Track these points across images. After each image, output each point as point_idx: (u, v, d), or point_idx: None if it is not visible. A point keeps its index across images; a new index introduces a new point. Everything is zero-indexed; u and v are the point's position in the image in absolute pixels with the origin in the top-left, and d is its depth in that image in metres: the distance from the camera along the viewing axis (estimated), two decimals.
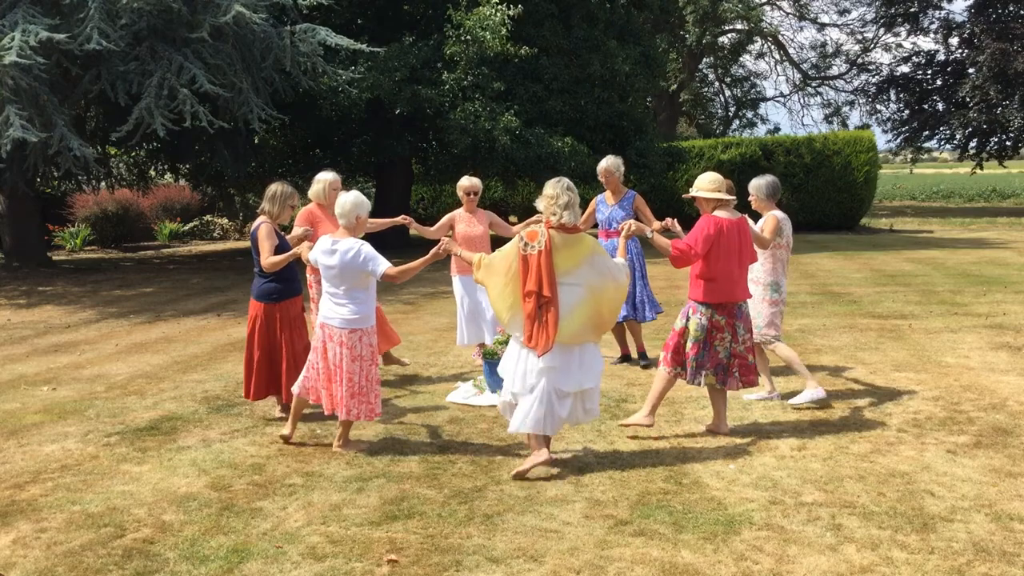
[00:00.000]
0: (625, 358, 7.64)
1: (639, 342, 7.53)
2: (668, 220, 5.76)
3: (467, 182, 7.33)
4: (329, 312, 5.17)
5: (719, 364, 5.42)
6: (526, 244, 4.79)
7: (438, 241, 5.23)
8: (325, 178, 6.59)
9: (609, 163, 7.39)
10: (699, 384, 5.43)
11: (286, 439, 5.40)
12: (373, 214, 7.25)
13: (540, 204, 4.91)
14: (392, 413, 6.13)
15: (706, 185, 5.46)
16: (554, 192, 4.84)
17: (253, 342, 5.80)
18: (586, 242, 4.87)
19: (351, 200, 5.16)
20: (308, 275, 6.62)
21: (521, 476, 4.73)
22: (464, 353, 8.03)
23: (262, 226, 5.74)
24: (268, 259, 5.66)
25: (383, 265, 5.04)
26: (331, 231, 6.03)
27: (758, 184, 6.35)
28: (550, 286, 4.71)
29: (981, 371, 6.94)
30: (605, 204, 7.52)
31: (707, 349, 5.41)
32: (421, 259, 5.15)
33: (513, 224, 8.00)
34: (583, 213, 7.35)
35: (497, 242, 6.24)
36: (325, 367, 5.23)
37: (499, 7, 15.43)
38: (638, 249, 7.48)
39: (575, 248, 4.81)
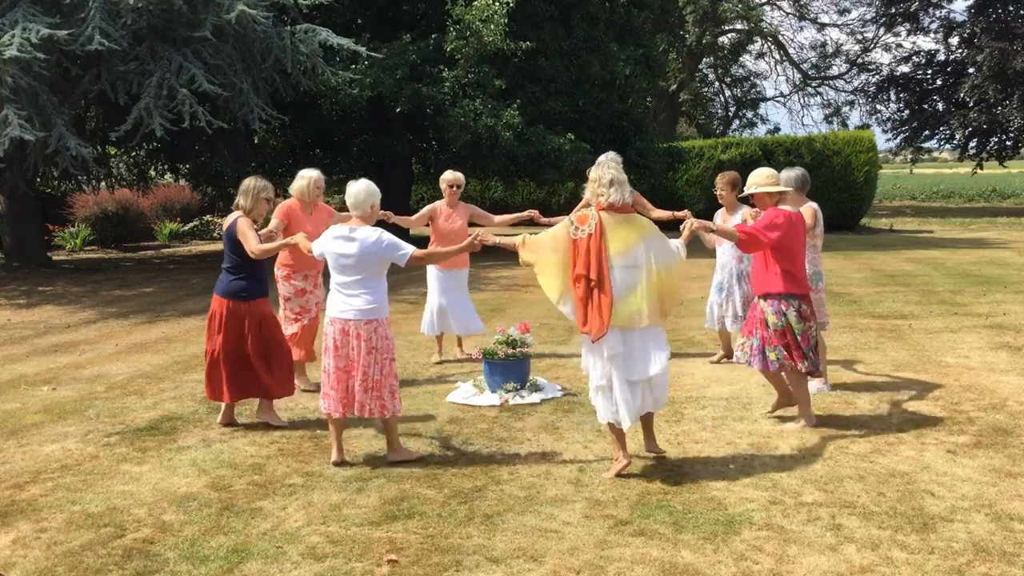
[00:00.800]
0: None
1: None
2: (686, 212, 6.00)
3: (451, 175, 7.39)
4: (342, 306, 4.93)
5: (809, 350, 5.50)
6: (576, 228, 4.69)
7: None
8: (310, 175, 6.61)
9: (602, 167, 7.46)
10: (811, 370, 5.46)
11: (339, 464, 5.00)
12: None
13: (587, 191, 4.88)
14: None
15: (764, 180, 5.59)
16: (597, 174, 4.79)
17: (217, 341, 5.66)
18: (640, 222, 4.79)
19: (364, 189, 5.02)
20: (276, 272, 6.64)
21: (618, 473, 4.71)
22: (462, 355, 8.03)
23: (239, 220, 5.66)
24: (258, 246, 5.52)
25: (408, 248, 4.93)
26: (307, 229, 6.05)
27: (788, 177, 6.30)
28: (598, 270, 4.60)
29: (981, 371, 6.93)
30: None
31: (802, 339, 5.44)
32: (454, 246, 5.23)
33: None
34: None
35: None
36: (336, 367, 4.96)
37: (495, 2, 15.44)
38: None
39: (629, 228, 4.72)
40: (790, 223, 5.40)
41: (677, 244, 4.89)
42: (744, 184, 5.99)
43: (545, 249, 4.78)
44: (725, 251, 7.35)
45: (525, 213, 7.64)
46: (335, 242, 4.94)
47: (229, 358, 5.64)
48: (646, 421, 4.98)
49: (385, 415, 4.98)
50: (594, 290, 4.61)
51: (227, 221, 5.79)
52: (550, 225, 5.19)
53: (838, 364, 7.30)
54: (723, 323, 7.40)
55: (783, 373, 5.54)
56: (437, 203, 7.51)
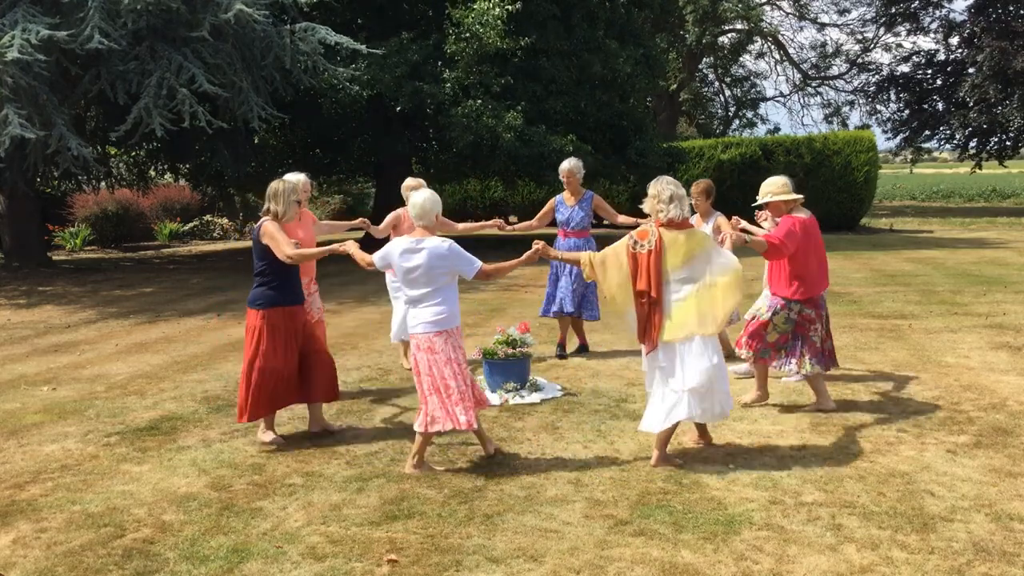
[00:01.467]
0: (582, 348, 7.96)
1: (581, 336, 7.96)
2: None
3: (415, 181, 7.07)
4: (412, 321, 4.86)
5: (818, 352, 5.80)
6: (636, 243, 4.85)
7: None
8: (297, 179, 6.13)
9: (572, 164, 7.62)
10: (788, 370, 5.91)
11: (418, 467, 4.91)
12: (373, 214, 7.29)
13: (645, 206, 4.95)
14: (392, 413, 6.13)
15: (779, 189, 5.78)
16: (656, 189, 4.89)
17: (257, 355, 5.31)
18: (698, 235, 4.91)
19: (428, 198, 4.91)
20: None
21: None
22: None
23: (266, 224, 5.31)
24: (294, 251, 5.23)
25: (477, 263, 4.87)
26: (299, 235, 5.86)
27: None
28: (657, 287, 4.78)
29: (981, 371, 6.93)
30: (564, 205, 7.71)
31: (802, 341, 5.77)
32: (515, 260, 5.07)
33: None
34: (541, 213, 7.72)
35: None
36: (419, 383, 4.86)
37: (497, 3, 15.43)
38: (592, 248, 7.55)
39: (688, 243, 4.84)
40: (805, 230, 5.65)
41: (730, 256, 4.95)
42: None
43: (612, 268, 4.94)
44: None
45: (491, 221, 7.56)
46: (401, 256, 4.82)
47: (268, 372, 5.30)
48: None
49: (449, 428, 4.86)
50: (651, 307, 4.80)
51: (256, 227, 5.53)
52: (515, 233, 5.25)
53: (838, 364, 7.30)
54: None
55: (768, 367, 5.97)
56: (400, 210, 7.14)
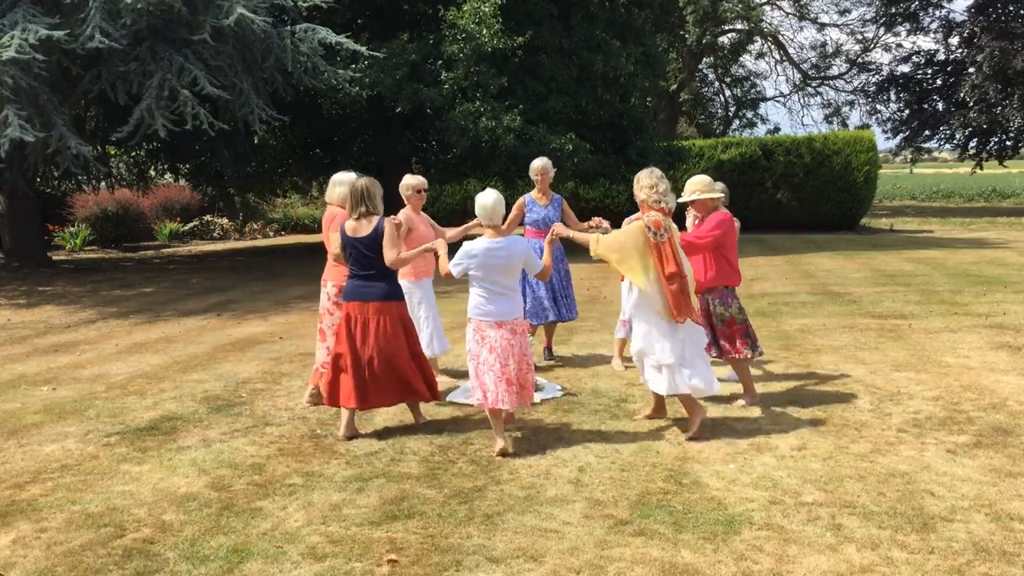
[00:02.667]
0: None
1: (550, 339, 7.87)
2: (596, 219, 6.40)
3: (415, 179, 6.92)
4: (496, 309, 5.25)
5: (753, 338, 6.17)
6: (655, 232, 5.24)
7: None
8: (352, 178, 6.04)
9: (545, 162, 7.51)
10: (761, 353, 6.26)
11: (505, 453, 5.12)
12: None
13: (640, 194, 5.39)
14: (392, 413, 6.13)
15: (704, 187, 6.04)
16: (653, 181, 5.39)
17: (362, 349, 5.49)
18: (675, 227, 5.41)
19: (496, 199, 5.31)
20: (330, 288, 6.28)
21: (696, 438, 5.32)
22: (464, 353, 8.02)
23: (387, 223, 5.49)
24: (402, 255, 5.52)
25: (541, 263, 5.47)
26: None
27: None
28: (683, 266, 5.31)
29: (981, 371, 6.93)
30: (537, 205, 7.49)
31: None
32: (547, 252, 5.57)
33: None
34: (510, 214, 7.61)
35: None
36: (515, 364, 5.26)
37: (482, 5, 15.42)
38: (561, 252, 7.55)
39: (675, 232, 5.40)
40: (731, 224, 6.03)
41: None
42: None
43: (628, 249, 5.30)
44: None
45: (474, 222, 7.22)
46: (488, 252, 5.20)
47: (362, 365, 5.52)
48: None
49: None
50: (684, 285, 5.28)
51: (358, 225, 5.53)
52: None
53: (838, 364, 7.31)
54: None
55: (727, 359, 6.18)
56: (406, 211, 6.88)
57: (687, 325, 5.37)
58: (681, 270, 5.25)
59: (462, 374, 7.23)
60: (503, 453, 5.10)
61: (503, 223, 5.48)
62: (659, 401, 5.79)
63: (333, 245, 5.91)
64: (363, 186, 5.56)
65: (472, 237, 5.66)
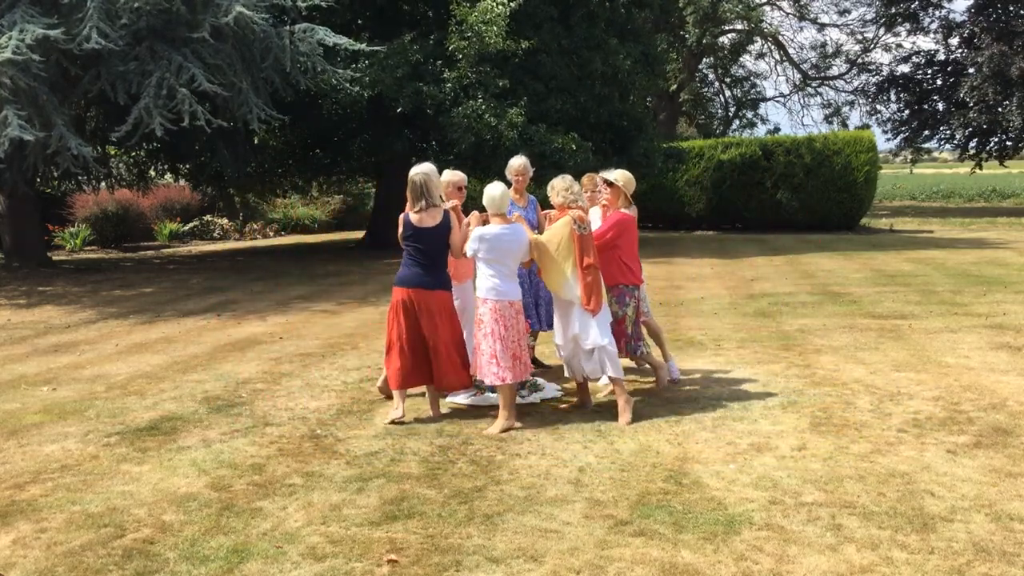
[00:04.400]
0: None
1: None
2: (578, 214, 6.47)
3: (456, 176, 6.75)
4: (506, 289, 5.70)
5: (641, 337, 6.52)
6: (580, 226, 5.74)
7: None
8: (430, 170, 6.00)
9: (525, 162, 7.11)
10: (639, 354, 6.44)
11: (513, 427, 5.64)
12: (373, 215, 7.27)
13: (557, 198, 5.90)
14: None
15: (629, 183, 6.47)
16: (567, 184, 5.95)
17: (414, 334, 5.89)
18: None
19: (504, 190, 5.72)
20: None
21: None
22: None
23: (452, 216, 5.94)
24: (462, 246, 5.91)
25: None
26: None
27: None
28: (598, 259, 5.83)
29: (981, 371, 6.93)
30: (515, 206, 7.04)
31: (636, 323, 6.42)
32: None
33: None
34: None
35: None
36: (517, 339, 5.76)
37: (502, 1, 15.42)
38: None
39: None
40: (633, 224, 6.37)
41: None
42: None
43: (551, 249, 5.79)
44: None
45: (472, 216, 7.03)
46: (500, 236, 5.67)
47: (414, 349, 5.95)
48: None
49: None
50: (597, 275, 5.79)
51: (424, 216, 5.85)
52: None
53: (838, 364, 7.31)
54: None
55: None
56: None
57: (604, 311, 5.86)
58: (597, 262, 5.77)
59: None
60: (511, 428, 5.60)
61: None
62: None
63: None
64: (421, 181, 5.82)
65: None
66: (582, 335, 5.79)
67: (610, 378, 5.89)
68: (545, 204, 6.59)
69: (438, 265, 5.91)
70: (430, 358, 5.89)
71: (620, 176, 6.46)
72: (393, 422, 5.77)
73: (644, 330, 6.65)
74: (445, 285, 5.94)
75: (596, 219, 6.73)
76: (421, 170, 5.91)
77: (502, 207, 5.71)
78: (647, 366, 6.75)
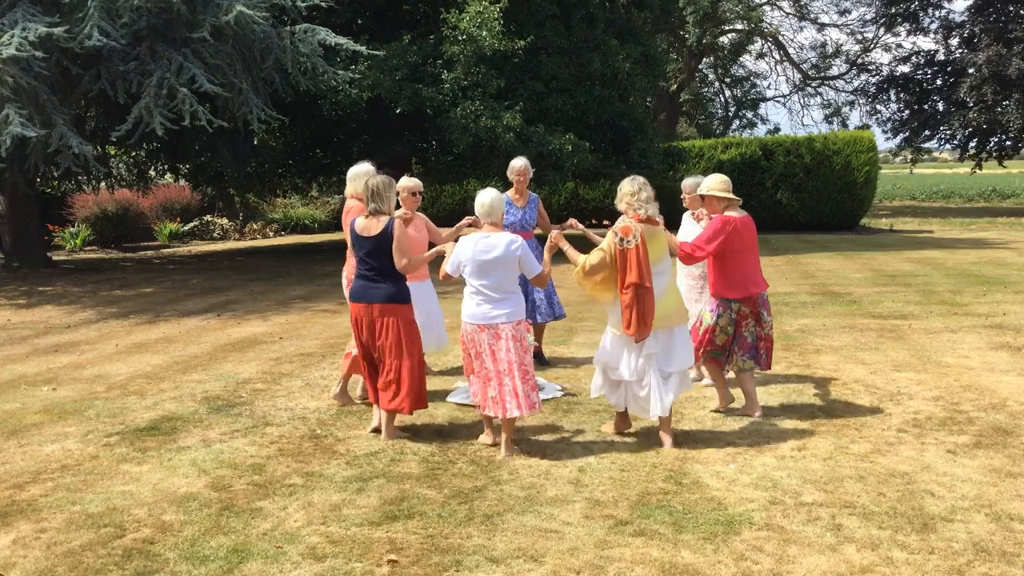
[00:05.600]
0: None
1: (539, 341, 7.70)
2: (571, 221, 6.39)
3: (411, 182, 6.79)
4: (490, 312, 5.09)
5: (750, 348, 5.84)
6: (622, 239, 5.09)
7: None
8: (368, 170, 6.00)
9: (526, 163, 7.34)
10: (730, 371, 5.94)
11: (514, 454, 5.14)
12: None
13: (621, 204, 5.28)
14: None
15: (718, 186, 5.81)
16: (634, 188, 5.25)
17: (370, 349, 5.46)
18: (663, 234, 5.32)
19: (496, 196, 5.23)
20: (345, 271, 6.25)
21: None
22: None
23: (397, 225, 5.32)
24: (413, 260, 5.37)
25: (538, 264, 5.27)
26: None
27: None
28: (649, 277, 5.08)
29: (981, 371, 6.93)
30: (514, 207, 7.38)
31: (737, 339, 5.84)
32: (546, 257, 5.40)
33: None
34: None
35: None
36: (497, 370, 5.10)
37: (489, 6, 15.42)
38: (538, 249, 7.49)
39: (658, 240, 5.25)
40: (734, 229, 5.70)
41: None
42: (740, 189, 6.31)
43: (599, 269, 5.18)
44: None
45: (464, 220, 6.93)
46: (479, 252, 5.09)
47: (372, 365, 5.51)
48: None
49: (536, 410, 5.23)
50: (643, 296, 5.05)
51: (368, 224, 5.36)
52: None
53: (838, 364, 7.31)
54: None
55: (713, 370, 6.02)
56: (399, 213, 6.96)
57: (655, 341, 5.17)
58: (643, 281, 5.01)
59: (452, 373, 7.22)
60: (514, 454, 5.14)
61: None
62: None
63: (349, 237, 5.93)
64: (375, 184, 5.39)
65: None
66: (661, 357, 5.21)
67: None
68: (547, 203, 6.35)
69: (386, 276, 5.36)
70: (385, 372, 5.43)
71: (704, 185, 5.93)
72: (374, 430, 5.59)
73: (751, 351, 5.86)
74: (393, 298, 5.35)
75: (689, 228, 6.64)
76: (381, 176, 5.67)
77: (491, 214, 5.19)
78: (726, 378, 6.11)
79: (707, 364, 5.99)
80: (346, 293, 6.14)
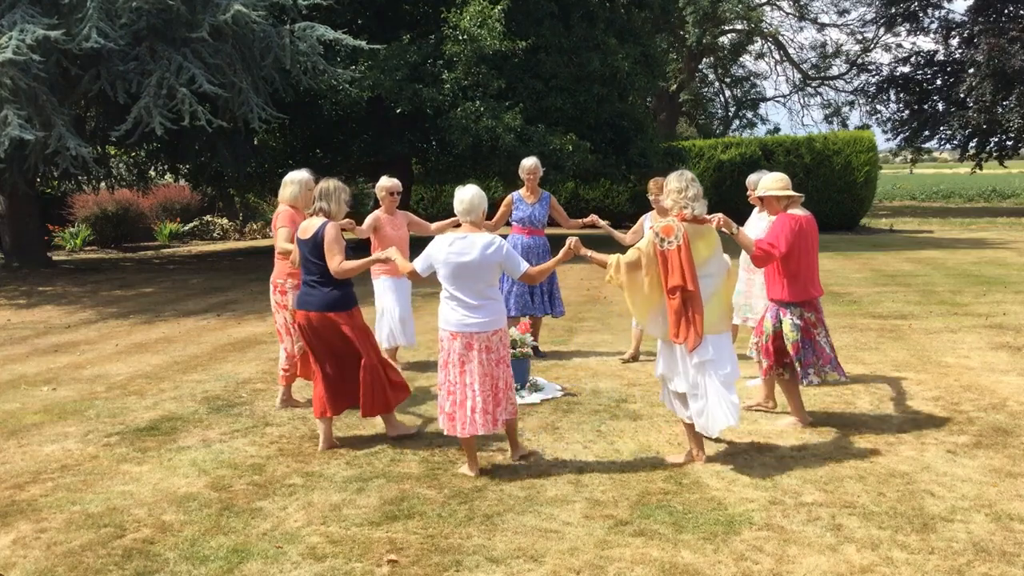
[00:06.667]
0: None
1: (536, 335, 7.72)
2: (592, 216, 6.26)
3: (389, 182, 7.04)
4: (464, 319, 4.76)
5: (831, 359, 5.45)
6: (662, 240, 4.75)
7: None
8: (302, 178, 6.17)
9: (535, 162, 7.60)
10: (813, 383, 5.44)
11: (478, 473, 4.83)
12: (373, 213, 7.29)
13: (667, 201, 4.89)
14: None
15: (776, 184, 5.53)
16: (682, 185, 4.84)
17: (322, 356, 5.29)
18: (712, 234, 4.87)
19: (476, 194, 4.87)
20: (282, 284, 6.25)
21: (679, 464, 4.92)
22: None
23: (329, 228, 5.11)
24: (344, 264, 5.08)
25: (524, 264, 4.86)
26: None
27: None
28: (693, 280, 4.70)
29: (981, 371, 6.93)
30: (524, 203, 7.61)
31: (811, 346, 5.44)
32: (553, 259, 4.99)
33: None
34: (499, 211, 7.63)
35: (416, 242, 6.21)
36: (462, 383, 4.77)
37: (489, 6, 15.43)
38: (547, 249, 7.58)
39: (707, 239, 4.84)
40: (800, 228, 5.37)
41: (725, 255, 5.03)
42: (740, 188, 6.11)
43: (636, 269, 4.82)
44: None
45: (453, 219, 7.16)
46: (452, 254, 4.74)
47: (335, 373, 5.29)
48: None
49: (515, 416, 5.02)
50: (688, 301, 4.70)
51: (307, 226, 5.25)
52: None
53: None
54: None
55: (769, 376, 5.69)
56: (377, 212, 7.15)
57: (707, 348, 4.76)
58: (688, 284, 4.67)
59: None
60: (477, 473, 4.82)
61: (491, 220, 5.22)
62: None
63: (278, 241, 5.96)
64: (324, 185, 5.24)
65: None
66: (716, 363, 4.78)
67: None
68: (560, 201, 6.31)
69: (322, 282, 5.17)
70: (336, 379, 5.31)
71: (761, 185, 5.66)
72: (326, 447, 5.33)
73: (819, 359, 5.49)
74: (331, 304, 5.18)
75: (755, 224, 6.32)
76: (298, 176, 5.89)
77: (470, 212, 4.84)
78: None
79: (781, 384, 5.59)
80: (271, 299, 6.25)
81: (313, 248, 5.16)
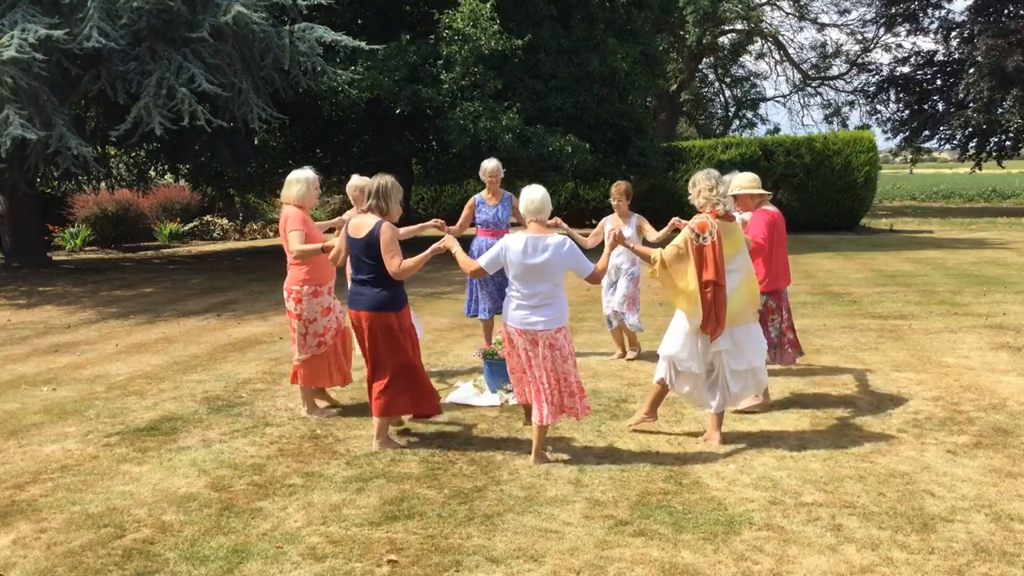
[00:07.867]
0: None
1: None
2: (556, 219, 6.14)
3: (362, 180, 6.98)
4: (527, 317, 4.84)
5: (771, 343, 5.95)
6: (698, 235, 4.98)
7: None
8: (308, 176, 6.12)
9: (497, 164, 7.56)
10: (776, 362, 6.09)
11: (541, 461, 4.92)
12: None
13: (698, 199, 5.12)
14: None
15: (748, 183, 5.97)
16: (711, 183, 5.10)
17: (395, 355, 5.19)
18: (738, 230, 5.22)
19: (544, 193, 4.96)
20: (298, 290, 5.97)
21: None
22: (464, 353, 8.04)
23: (385, 228, 5.03)
24: (404, 264, 5.00)
25: (591, 265, 4.95)
26: (319, 238, 5.89)
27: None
28: (722, 276, 4.98)
29: (981, 371, 6.94)
30: (487, 205, 7.55)
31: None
32: (604, 255, 5.11)
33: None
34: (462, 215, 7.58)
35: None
36: (533, 376, 4.91)
37: (480, 3, 15.43)
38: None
39: (734, 235, 5.15)
40: (775, 222, 5.94)
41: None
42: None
43: (679, 262, 5.06)
44: (619, 252, 7.38)
45: (431, 222, 6.97)
46: (521, 254, 4.82)
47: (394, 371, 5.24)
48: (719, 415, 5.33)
49: (588, 414, 5.10)
50: (717, 294, 4.99)
51: (360, 224, 5.14)
52: (452, 233, 5.47)
53: (838, 364, 7.31)
54: (614, 321, 7.63)
55: None
56: (352, 212, 6.71)
57: (724, 338, 5.10)
58: (719, 279, 4.94)
59: (452, 373, 7.23)
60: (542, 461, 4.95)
61: (454, 225, 5.26)
62: (654, 403, 5.52)
63: (293, 244, 5.75)
64: (381, 182, 5.13)
65: (437, 238, 5.25)
66: (731, 355, 5.15)
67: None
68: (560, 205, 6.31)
69: (372, 281, 5.14)
70: (378, 380, 5.29)
71: (734, 184, 5.92)
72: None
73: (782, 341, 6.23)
74: (381, 304, 5.12)
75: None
76: (303, 175, 5.95)
77: (540, 212, 4.93)
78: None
79: None
80: (286, 306, 6.04)
81: (366, 247, 5.09)
